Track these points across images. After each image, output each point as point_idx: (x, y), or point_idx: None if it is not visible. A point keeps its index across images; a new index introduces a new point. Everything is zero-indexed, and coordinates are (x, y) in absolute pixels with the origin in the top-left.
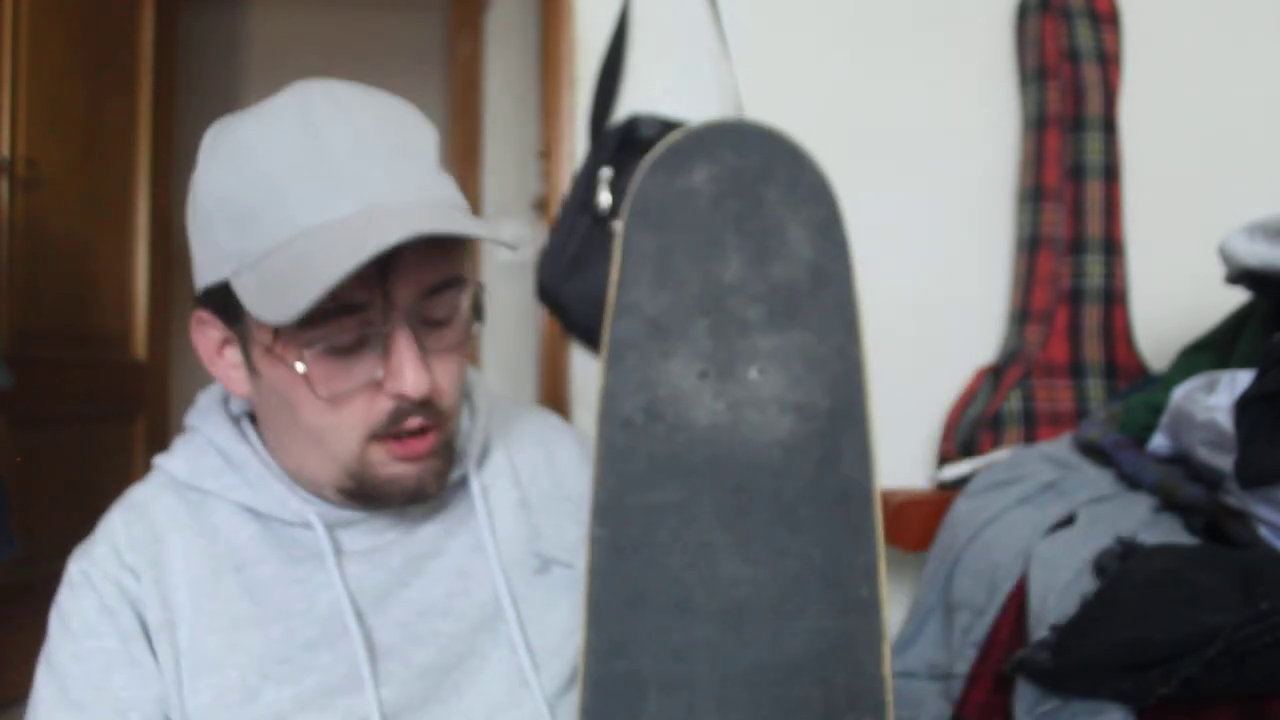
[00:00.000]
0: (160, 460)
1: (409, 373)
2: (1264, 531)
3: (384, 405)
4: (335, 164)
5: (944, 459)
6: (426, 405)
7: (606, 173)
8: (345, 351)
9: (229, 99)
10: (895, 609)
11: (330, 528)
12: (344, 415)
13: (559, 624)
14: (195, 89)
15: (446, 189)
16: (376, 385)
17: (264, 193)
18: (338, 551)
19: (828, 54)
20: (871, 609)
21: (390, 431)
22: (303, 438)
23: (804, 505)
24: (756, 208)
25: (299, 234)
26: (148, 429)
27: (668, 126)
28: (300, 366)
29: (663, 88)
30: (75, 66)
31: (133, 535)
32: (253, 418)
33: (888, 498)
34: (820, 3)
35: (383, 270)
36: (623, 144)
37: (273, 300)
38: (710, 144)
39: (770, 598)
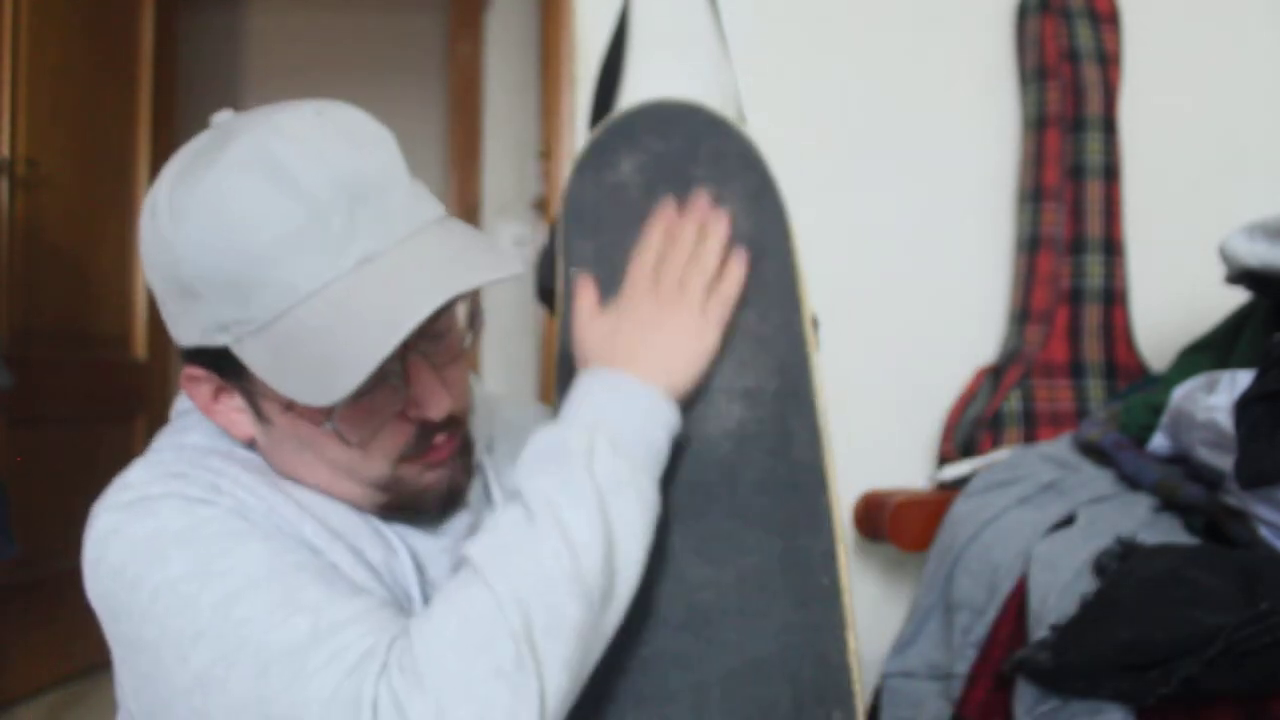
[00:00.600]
0: (162, 442)
1: (432, 400)
2: (1264, 531)
3: (409, 430)
4: (323, 220)
5: (944, 459)
6: (449, 419)
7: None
8: (366, 394)
9: (229, 99)
10: (895, 609)
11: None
12: (372, 449)
13: None
14: (195, 89)
15: (425, 207)
16: (400, 413)
17: (254, 262)
18: (413, 554)
19: (828, 54)
20: (832, 597)
21: (416, 452)
22: (328, 470)
23: (758, 497)
24: (687, 190)
25: (300, 301)
26: (148, 429)
27: None
28: (329, 425)
29: (663, 88)
30: (75, 66)
31: (186, 466)
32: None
33: (887, 498)
34: (820, 3)
35: None
36: None
37: (303, 381)
38: (631, 132)
39: (734, 599)
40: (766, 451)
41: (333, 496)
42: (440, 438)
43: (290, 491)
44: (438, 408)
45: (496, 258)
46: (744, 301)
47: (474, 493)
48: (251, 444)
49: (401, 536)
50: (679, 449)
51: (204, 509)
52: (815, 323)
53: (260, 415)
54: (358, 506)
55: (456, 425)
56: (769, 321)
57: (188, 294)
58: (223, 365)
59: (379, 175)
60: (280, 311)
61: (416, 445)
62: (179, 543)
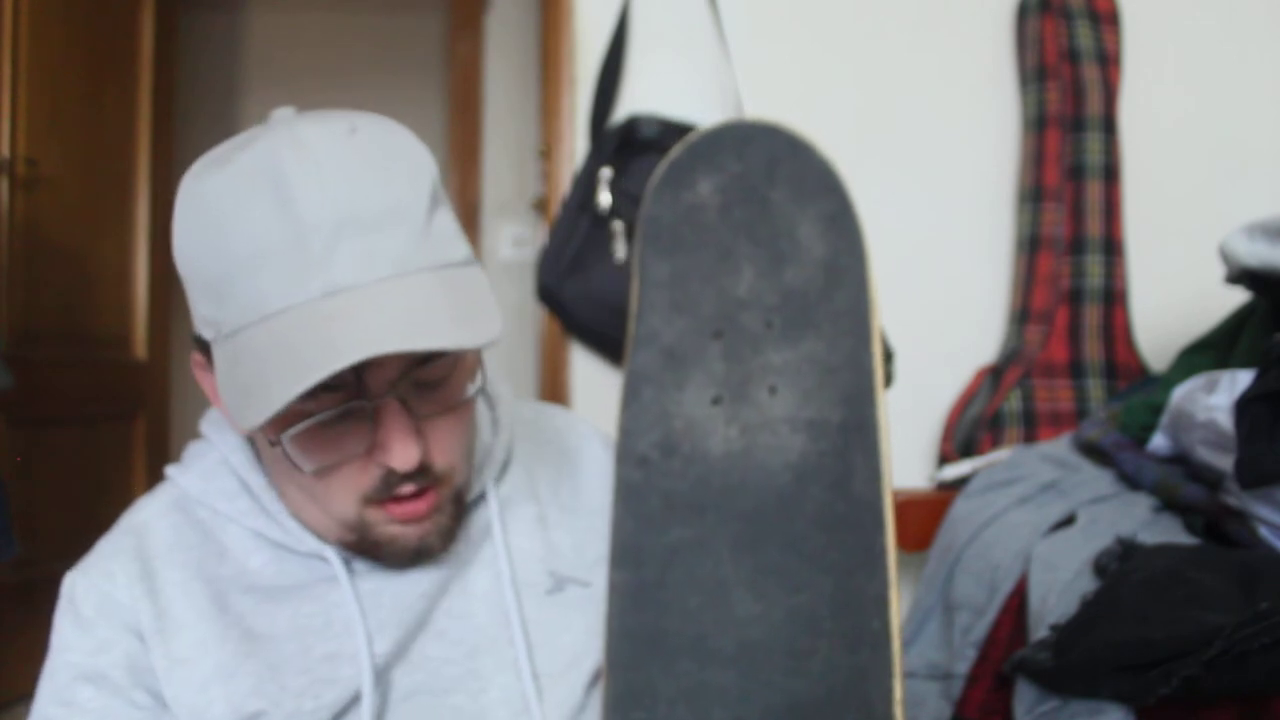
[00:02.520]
0: (173, 473)
1: (396, 448)
2: (1264, 531)
3: (373, 473)
4: (304, 241)
5: (944, 459)
6: (421, 472)
7: (606, 173)
8: (329, 425)
9: (229, 99)
10: None
11: (346, 560)
12: (334, 483)
13: (569, 646)
14: (195, 89)
15: (430, 249)
16: (366, 454)
17: (232, 269)
18: (351, 573)
19: (827, 54)
20: (882, 642)
21: (384, 495)
22: (299, 493)
23: (816, 533)
24: (764, 211)
25: (261, 319)
26: (148, 429)
27: (668, 126)
28: (279, 447)
29: (663, 88)
30: (75, 66)
31: (125, 566)
32: None
33: None
34: (820, 3)
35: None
36: (623, 144)
37: (235, 399)
38: (710, 152)
39: (783, 636)
40: (827, 486)
41: (305, 524)
42: (408, 488)
43: (220, 536)
44: (402, 458)
45: (477, 319)
46: (814, 328)
47: (475, 519)
48: (251, 438)
49: (364, 577)
50: (740, 480)
51: (65, 656)
52: (889, 354)
53: None
54: (326, 537)
55: (434, 480)
56: (838, 351)
57: (185, 283)
58: (214, 360)
59: (383, 209)
60: (245, 323)
61: (380, 490)
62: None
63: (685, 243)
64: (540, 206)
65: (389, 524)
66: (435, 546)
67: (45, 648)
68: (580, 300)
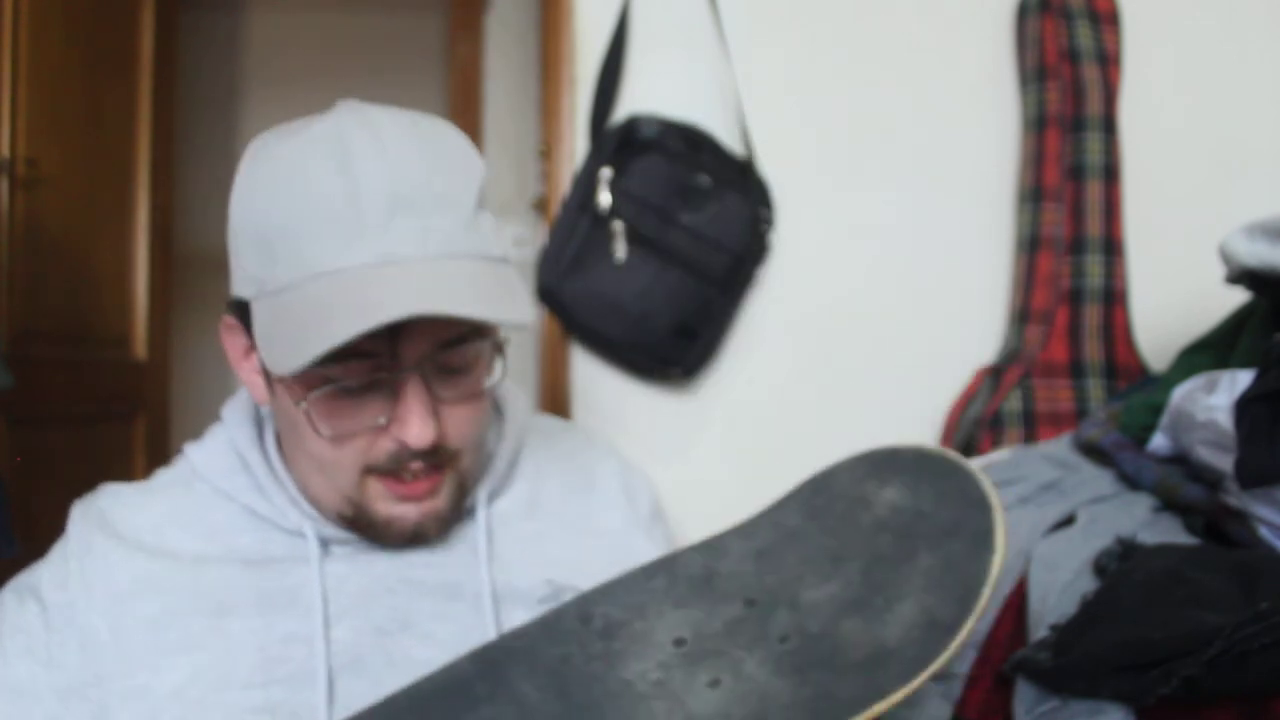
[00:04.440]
0: (188, 449)
1: (414, 423)
2: (1264, 531)
3: (385, 446)
4: (361, 208)
5: None
6: (432, 452)
7: (606, 173)
8: (352, 393)
9: (229, 98)
10: None
11: (325, 541)
12: (345, 451)
13: None
14: (195, 89)
15: (477, 240)
16: (381, 427)
17: (288, 227)
18: (326, 554)
19: (827, 54)
20: None
21: (389, 469)
22: (306, 459)
23: None
24: (909, 548)
25: (312, 277)
26: (148, 429)
27: (668, 126)
28: (302, 404)
29: (663, 88)
30: (75, 66)
31: (129, 513)
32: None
33: None
34: (820, 3)
35: (391, 327)
36: (623, 144)
37: (275, 347)
38: (915, 471)
39: None
40: None
41: (309, 494)
42: (417, 465)
43: (226, 523)
44: (418, 435)
45: (515, 302)
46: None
47: (462, 536)
48: (258, 419)
49: (337, 560)
50: None
51: (14, 604)
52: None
53: (269, 383)
54: (325, 512)
55: (442, 461)
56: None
57: (234, 241)
58: (249, 321)
59: (438, 194)
60: (293, 281)
61: (388, 462)
62: None
63: (830, 521)
64: (540, 206)
65: (389, 502)
66: (431, 530)
67: None
68: (580, 300)
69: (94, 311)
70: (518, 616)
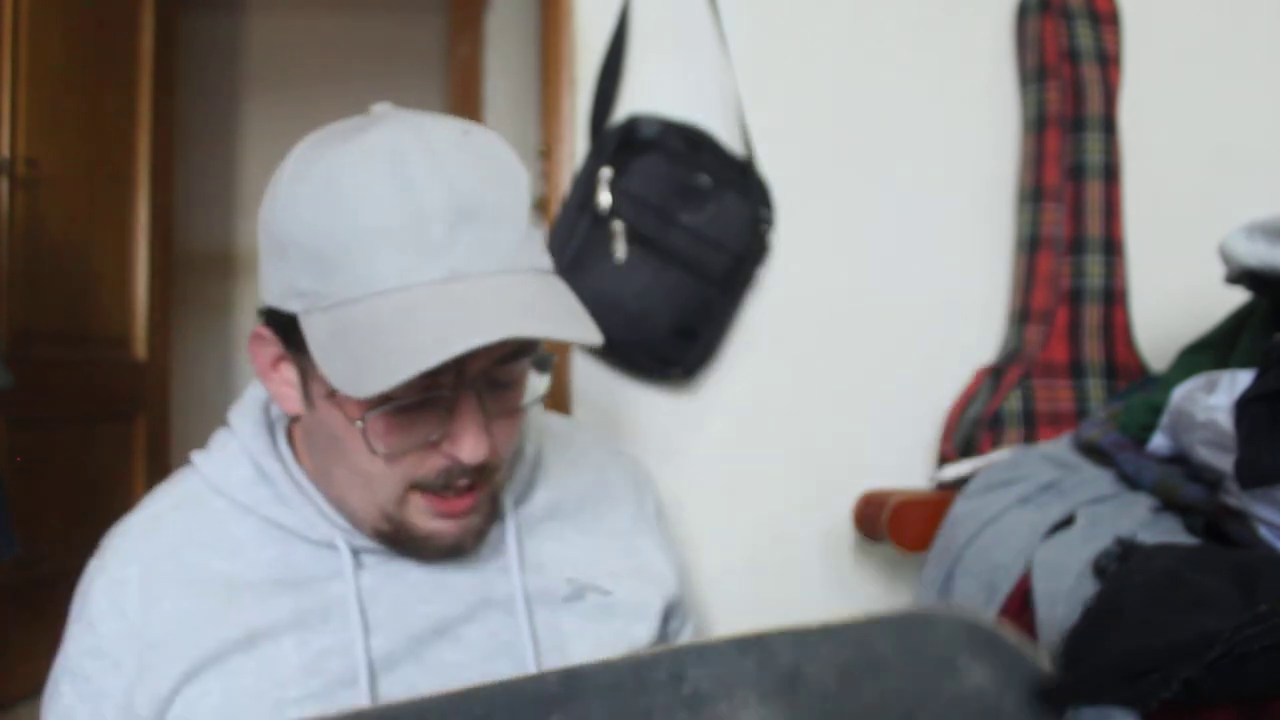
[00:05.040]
0: (197, 460)
1: (469, 441)
2: (1264, 531)
3: (436, 463)
4: (425, 225)
5: (944, 459)
6: (480, 468)
7: (606, 173)
8: (408, 410)
9: (229, 99)
10: None
11: (356, 551)
12: (393, 466)
13: (581, 654)
14: (195, 89)
15: (532, 254)
16: (433, 443)
17: (348, 242)
18: (358, 566)
19: (827, 54)
20: None
21: (435, 485)
22: (348, 474)
23: None
24: None
25: (378, 294)
26: (148, 429)
27: (668, 126)
28: (359, 424)
29: (663, 88)
30: (75, 66)
31: (139, 572)
32: (294, 418)
33: (887, 498)
34: (820, 3)
35: None
36: (623, 144)
37: (346, 368)
38: (1011, 665)
39: None
40: None
41: (344, 507)
42: (463, 482)
43: (247, 539)
44: (473, 451)
45: (579, 320)
46: None
47: (489, 543)
48: (298, 421)
49: (369, 572)
50: None
51: (66, 645)
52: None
53: (307, 394)
54: (360, 525)
55: (485, 477)
56: None
57: (279, 252)
58: (289, 333)
59: (496, 206)
60: (354, 297)
61: (437, 479)
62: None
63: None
64: (540, 206)
65: (429, 517)
66: (468, 545)
67: (45, 648)
68: (580, 300)
69: (94, 311)
70: (546, 618)
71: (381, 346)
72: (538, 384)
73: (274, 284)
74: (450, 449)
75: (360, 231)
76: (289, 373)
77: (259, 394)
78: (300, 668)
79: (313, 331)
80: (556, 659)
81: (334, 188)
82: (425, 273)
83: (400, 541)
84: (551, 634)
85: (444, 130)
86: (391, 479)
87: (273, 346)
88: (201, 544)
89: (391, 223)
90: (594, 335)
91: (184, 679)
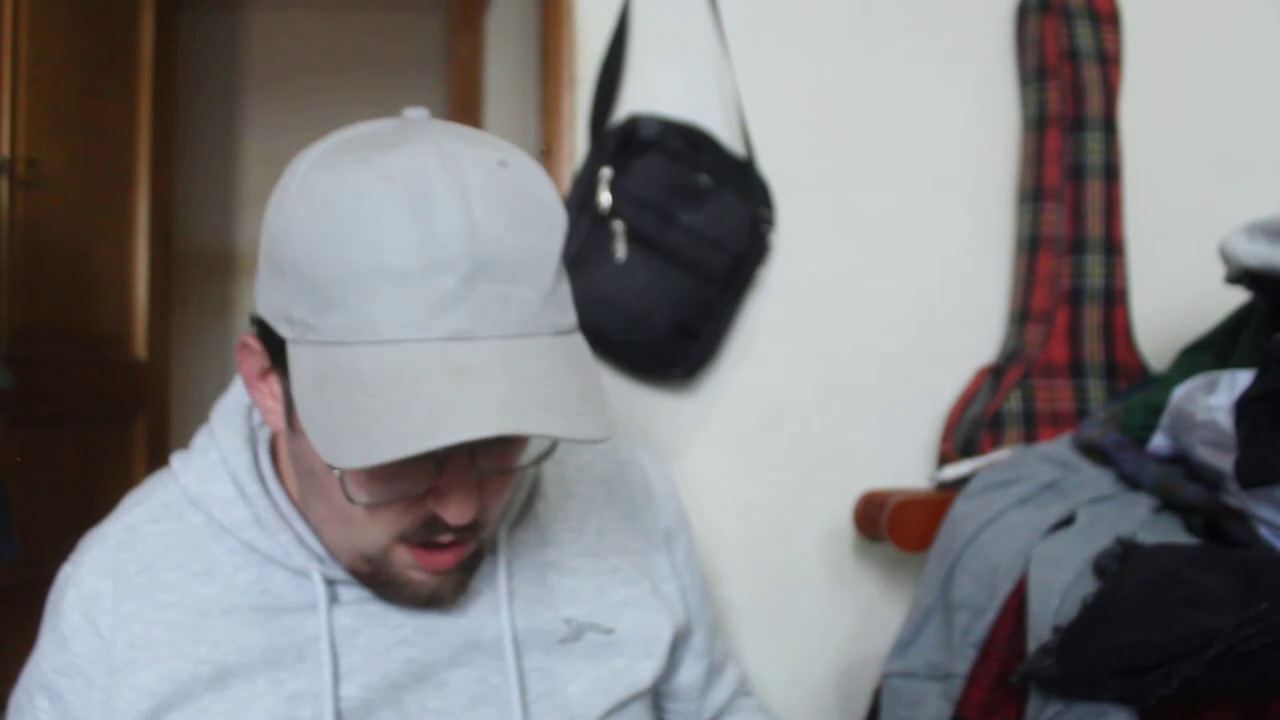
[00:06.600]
0: (176, 466)
1: (455, 501)
2: (1264, 531)
3: (419, 513)
4: (437, 273)
5: (944, 459)
6: (468, 526)
7: (606, 173)
8: (392, 464)
9: (229, 98)
10: (895, 609)
11: (331, 582)
12: (376, 517)
13: (573, 699)
14: (195, 89)
15: (552, 313)
16: (420, 497)
17: (349, 279)
18: (333, 601)
19: (827, 54)
20: None
21: (418, 539)
22: (327, 510)
23: None
24: None
25: (375, 342)
26: (148, 429)
27: (668, 126)
28: (337, 473)
29: (663, 88)
30: (75, 66)
31: (113, 587)
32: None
33: (887, 498)
34: (820, 3)
35: None
36: (623, 144)
37: (325, 426)
38: None
39: None
40: None
41: (322, 537)
42: (447, 537)
43: (224, 559)
44: (458, 513)
45: (590, 408)
46: None
47: (479, 575)
48: (280, 436)
49: (345, 609)
50: None
51: (38, 658)
52: None
53: (290, 419)
54: (338, 558)
55: (472, 534)
56: None
57: (277, 270)
58: (277, 354)
59: (521, 258)
60: (348, 339)
61: (420, 532)
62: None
63: None
64: None
65: (410, 568)
66: (447, 598)
67: None
68: (580, 300)
69: (94, 311)
70: (539, 661)
71: (366, 414)
72: (538, 441)
73: (268, 300)
74: (435, 507)
75: (365, 270)
76: (275, 387)
77: (244, 396)
78: (271, 713)
79: (299, 367)
80: (547, 705)
81: (343, 215)
82: (429, 328)
83: (377, 585)
84: (544, 678)
85: (477, 161)
86: (372, 528)
87: (260, 359)
88: (177, 563)
89: (400, 265)
90: (603, 430)
91: (152, 715)
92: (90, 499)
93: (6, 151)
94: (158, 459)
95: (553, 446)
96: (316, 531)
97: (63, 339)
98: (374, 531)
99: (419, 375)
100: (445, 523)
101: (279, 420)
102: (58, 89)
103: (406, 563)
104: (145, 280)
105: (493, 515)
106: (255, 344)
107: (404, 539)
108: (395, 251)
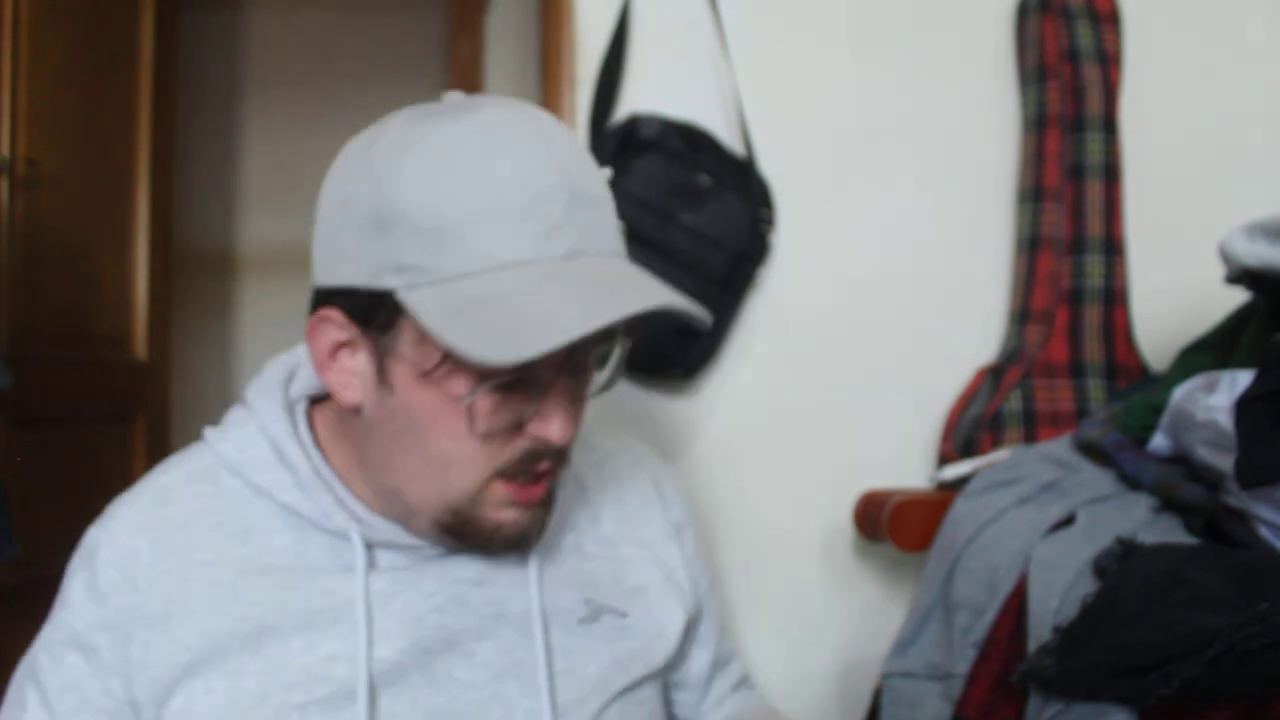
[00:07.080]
0: (210, 437)
1: (559, 421)
2: (1264, 531)
3: (521, 444)
4: (542, 204)
5: (944, 459)
6: (559, 451)
7: (607, 172)
8: (504, 389)
9: (229, 98)
10: (895, 609)
11: (370, 545)
12: (480, 449)
13: (592, 677)
14: (195, 89)
15: (622, 240)
16: (519, 425)
17: (461, 216)
18: (371, 566)
19: (827, 54)
20: None
21: (516, 471)
22: (420, 463)
23: None
24: None
25: (500, 267)
26: (148, 429)
27: (668, 126)
28: (467, 400)
29: (663, 88)
30: (75, 66)
31: (149, 544)
32: (312, 400)
33: (887, 498)
34: (820, 3)
35: None
36: (623, 144)
37: (483, 339)
38: None
39: None
40: None
41: (399, 499)
42: (544, 465)
43: (247, 511)
44: (562, 432)
45: (690, 302)
46: None
47: (506, 556)
48: (356, 411)
49: (381, 574)
50: None
51: (69, 615)
52: None
53: (383, 380)
54: (415, 518)
55: (562, 461)
56: None
57: (377, 227)
58: (369, 314)
59: (598, 192)
60: (468, 271)
61: (520, 463)
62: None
63: None
64: None
65: (503, 507)
66: (532, 535)
67: None
68: None
69: (94, 311)
70: (559, 638)
71: (516, 318)
72: (598, 375)
73: (360, 261)
74: (539, 430)
75: (479, 206)
76: (352, 360)
77: (279, 373)
78: (306, 672)
79: (426, 305)
80: (569, 681)
81: (453, 163)
82: (546, 249)
83: (464, 535)
84: (565, 655)
85: (541, 116)
86: (476, 464)
87: (337, 331)
88: (214, 524)
89: (510, 199)
90: (707, 315)
91: (186, 670)
92: (90, 499)
93: (6, 151)
94: (157, 459)
95: (613, 377)
96: (389, 496)
97: (63, 339)
98: (475, 472)
99: (554, 283)
100: (543, 449)
101: (357, 391)
102: (58, 89)
103: (500, 500)
104: (145, 280)
105: (572, 442)
106: (336, 314)
107: (502, 473)
108: (503, 188)
